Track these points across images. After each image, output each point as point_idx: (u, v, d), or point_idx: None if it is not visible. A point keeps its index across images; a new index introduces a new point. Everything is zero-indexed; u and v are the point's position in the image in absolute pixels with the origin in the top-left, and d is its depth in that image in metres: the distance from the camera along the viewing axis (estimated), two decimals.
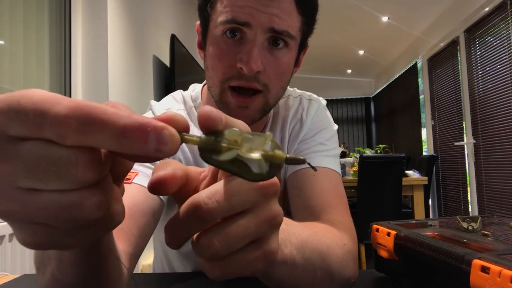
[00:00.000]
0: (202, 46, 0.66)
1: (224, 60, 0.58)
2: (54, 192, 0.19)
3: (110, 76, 1.97)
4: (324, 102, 0.80)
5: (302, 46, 0.66)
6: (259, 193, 0.25)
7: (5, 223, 1.25)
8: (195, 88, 0.76)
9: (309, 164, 0.23)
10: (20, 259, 1.31)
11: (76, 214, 0.19)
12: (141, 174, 0.60)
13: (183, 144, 0.66)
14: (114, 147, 0.19)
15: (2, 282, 0.61)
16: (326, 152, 0.71)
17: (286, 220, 0.37)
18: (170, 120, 0.21)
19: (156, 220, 0.60)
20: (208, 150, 0.23)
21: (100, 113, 0.18)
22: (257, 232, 0.25)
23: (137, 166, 0.61)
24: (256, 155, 0.23)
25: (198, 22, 0.66)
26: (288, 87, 0.78)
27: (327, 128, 0.75)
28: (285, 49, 0.60)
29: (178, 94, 0.75)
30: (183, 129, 0.22)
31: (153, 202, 0.58)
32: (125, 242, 0.50)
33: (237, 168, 0.23)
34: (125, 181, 0.57)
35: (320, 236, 0.46)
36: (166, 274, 0.76)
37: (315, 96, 0.79)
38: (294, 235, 0.38)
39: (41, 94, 0.18)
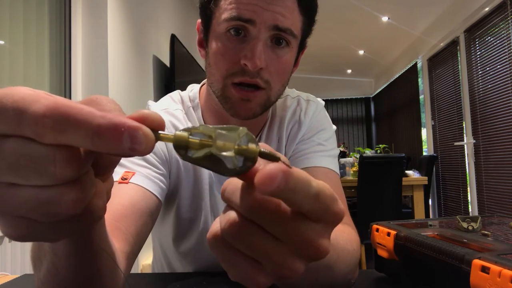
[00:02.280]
0: (203, 44, 0.66)
1: (228, 56, 0.59)
2: (34, 188, 0.19)
3: (110, 76, 1.97)
4: (322, 103, 0.80)
5: (302, 46, 0.67)
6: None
7: None
8: (193, 88, 0.76)
9: (284, 162, 0.23)
10: (20, 259, 1.31)
11: (54, 209, 0.20)
12: (138, 174, 0.60)
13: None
14: (89, 146, 0.19)
15: (2, 282, 0.61)
16: (325, 152, 0.71)
17: None
18: (144, 119, 0.21)
19: (153, 220, 0.60)
20: (183, 147, 0.23)
21: (75, 113, 0.19)
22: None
23: (134, 166, 0.61)
24: (229, 151, 0.23)
25: (199, 21, 0.66)
26: (287, 87, 0.78)
27: (326, 128, 0.75)
28: (287, 48, 0.60)
29: (176, 94, 0.76)
30: (158, 127, 0.22)
31: (151, 202, 0.59)
32: (122, 241, 0.50)
33: (211, 163, 0.23)
34: (122, 181, 0.57)
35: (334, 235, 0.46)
36: (165, 274, 0.76)
37: (313, 97, 0.79)
38: None
39: (22, 92, 0.19)
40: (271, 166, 0.20)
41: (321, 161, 0.69)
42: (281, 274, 0.23)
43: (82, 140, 0.19)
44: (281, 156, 0.24)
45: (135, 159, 0.63)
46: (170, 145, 0.66)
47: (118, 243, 0.48)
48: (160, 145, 0.66)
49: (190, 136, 0.23)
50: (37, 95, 0.19)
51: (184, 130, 0.24)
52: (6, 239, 1.27)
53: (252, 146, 0.24)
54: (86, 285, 0.38)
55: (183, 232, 0.72)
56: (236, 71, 0.58)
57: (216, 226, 0.24)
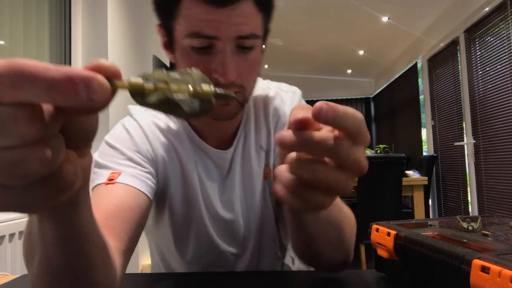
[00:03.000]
0: (168, 47, 0.65)
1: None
2: (1, 149, 0.20)
3: None
4: (299, 91, 0.80)
5: (265, 39, 0.66)
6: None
7: (5, 223, 1.25)
8: None
9: (236, 99, 0.27)
10: (20, 259, 1.31)
11: (22, 169, 0.20)
12: (125, 174, 0.60)
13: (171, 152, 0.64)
14: (48, 100, 0.20)
15: (2, 282, 0.61)
16: None
17: None
18: (98, 68, 0.22)
19: (144, 217, 0.60)
20: (139, 94, 0.24)
21: (30, 68, 0.19)
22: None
23: (119, 167, 0.62)
24: (183, 93, 0.24)
25: (158, 24, 0.65)
26: (266, 80, 0.80)
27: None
28: (253, 49, 0.61)
29: None
30: (113, 75, 0.23)
31: (140, 200, 0.59)
32: (115, 239, 0.51)
33: (168, 108, 0.24)
34: (108, 182, 0.59)
35: (339, 206, 0.53)
36: (165, 274, 0.76)
37: (287, 86, 0.80)
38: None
39: None
40: (321, 103, 0.27)
41: None
42: (338, 191, 0.29)
43: (40, 95, 0.19)
44: (235, 96, 0.29)
45: (120, 160, 0.63)
46: (156, 144, 0.68)
47: (111, 241, 0.48)
48: (145, 145, 0.67)
49: (145, 82, 0.24)
50: None
51: (139, 76, 0.24)
52: (6, 239, 1.27)
53: (206, 87, 0.25)
54: (79, 277, 0.39)
55: (181, 229, 0.72)
56: None
57: (281, 170, 0.31)
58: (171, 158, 0.69)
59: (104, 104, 0.21)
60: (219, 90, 0.25)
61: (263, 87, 0.77)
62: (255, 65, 0.63)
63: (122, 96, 0.29)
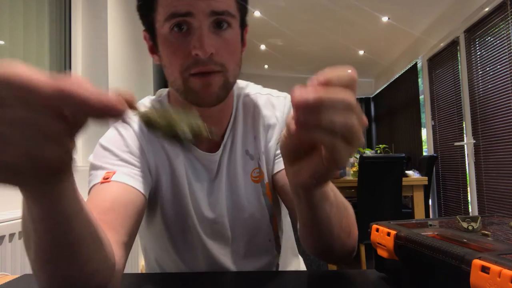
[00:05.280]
0: (154, 50, 0.70)
1: (179, 52, 0.62)
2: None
3: (110, 76, 1.97)
4: (289, 97, 0.81)
5: (243, 25, 0.69)
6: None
7: (5, 223, 1.25)
8: (162, 93, 0.80)
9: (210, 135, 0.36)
10: (20, 259, 1.31)
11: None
12: (119, 172, 0.64)
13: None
14: (84, 116, 0.29)
15: (2, 282, 0.61)
16: None
17: None
18: (124, 99, 0.30)
19: (139, 213, 0.63)
20: (147, 122, 0.34)
21: (76, 93, 0.27)
22: None
23: (113, 167, 0.65)
24: (184, 128, 0.34)
25: (143, 30, 0.70)
26: (253, 83, 0.81)
27: None
28: (229, 29, 0.63)
29: (146, 99, 0.79)
30: (130, 104, 0.31)
31: (134, 196, 0.62)
32: (112, 232, 0.53)
33: (171, 137, 0.34)
34: (104, 180, 0.62)
35: (342, 197, 0.57)
36: (165, 274, 0.76)
37: (277, 92, 0.81)
38: (333, 186, 0.51)
39: (28, 73, 0.27)
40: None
41: None
42: (356, 136, 0.33)
43: (79, 114, 0.29)
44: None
45: (114, 161, 0.66)
46: (147, 145, 0.71)
47: (108, 234, 0.50)
48: (136, 146, 0.70)
49: (151, 114, 0.33)
50: (41, 77, 0.27)
51: (148, 108, 0.34)
52: (6, 239, 1.27)
53: (201, 127, 0.35)
54: (70, 256, 0.40)
55: (174, 229, 0.74)
56: (190, 63, 0.61)
57: (289, 121, 0.36)
58: (161, 159, 0.71)
59: (121, 119, 0.30)
60: (210, 130, 0.35)
61: (254, 92, 0.78)
62: (234, 46, 0.65)
63: None
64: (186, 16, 0.60)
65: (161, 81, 2.86)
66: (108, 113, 0.28)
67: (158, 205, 0.72)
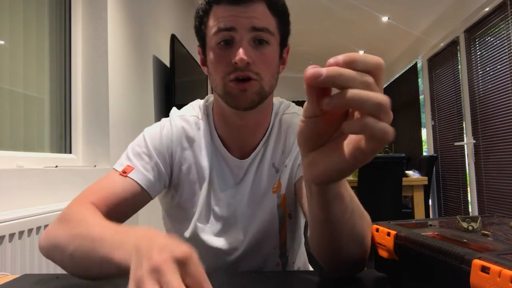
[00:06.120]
0: (204, 63, 0.77)
1: (222, 61, 0.70)
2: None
3: (110, 76, 1.97)
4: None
5: (284, 45, 0.77)
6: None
7: (5, 223, 1.24)
8: (209, 98, 0.86)
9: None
10: (20, 259, 1.31)
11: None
12: (136, 170, 0.73)
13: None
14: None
15: (2, 282, 0.61)
16: None
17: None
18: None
19: (134, 209, 0.73)
20: None
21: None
22: None
23: (136, 161, 0.74)
24: None
25: (198, 46, 0.79)
26: (295, 105, 0.86)
27: None
28: (268, 45, 0.71)
29: (197, 102, 0.86)
30: None
31: (139, 197, 0.72)
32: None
33: None
34: (122, 173, 0.72)
35: (359, 204, 0.56)
36: None
37: (297, 108, 0.86)
38: (351, 192, 0.51)
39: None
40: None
41: None
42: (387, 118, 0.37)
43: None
44: None
45: (140, 154, 0.75)
46: (177, 148, 0.78)
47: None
48: (168, 146, 0.77)
49: None
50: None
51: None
52: (6, 239, 1.27)
53: None
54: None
55: (190, 222, 0.79)
56: (231, 70, 0.69)
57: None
58: (188, 161, 0.78)
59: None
60: None
61: (292, 111, 0.84)
62: (270, 60, 0.72)
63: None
64: (230, 30, 0.68)
65: (162, 81, 2.86)
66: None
67: (176, 199, 0.80)
